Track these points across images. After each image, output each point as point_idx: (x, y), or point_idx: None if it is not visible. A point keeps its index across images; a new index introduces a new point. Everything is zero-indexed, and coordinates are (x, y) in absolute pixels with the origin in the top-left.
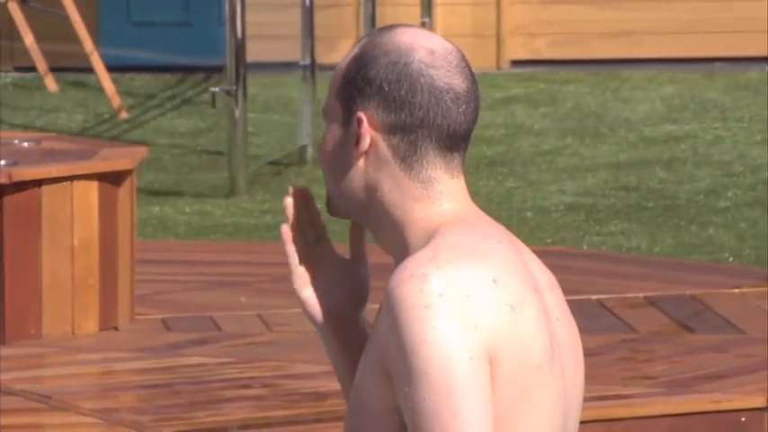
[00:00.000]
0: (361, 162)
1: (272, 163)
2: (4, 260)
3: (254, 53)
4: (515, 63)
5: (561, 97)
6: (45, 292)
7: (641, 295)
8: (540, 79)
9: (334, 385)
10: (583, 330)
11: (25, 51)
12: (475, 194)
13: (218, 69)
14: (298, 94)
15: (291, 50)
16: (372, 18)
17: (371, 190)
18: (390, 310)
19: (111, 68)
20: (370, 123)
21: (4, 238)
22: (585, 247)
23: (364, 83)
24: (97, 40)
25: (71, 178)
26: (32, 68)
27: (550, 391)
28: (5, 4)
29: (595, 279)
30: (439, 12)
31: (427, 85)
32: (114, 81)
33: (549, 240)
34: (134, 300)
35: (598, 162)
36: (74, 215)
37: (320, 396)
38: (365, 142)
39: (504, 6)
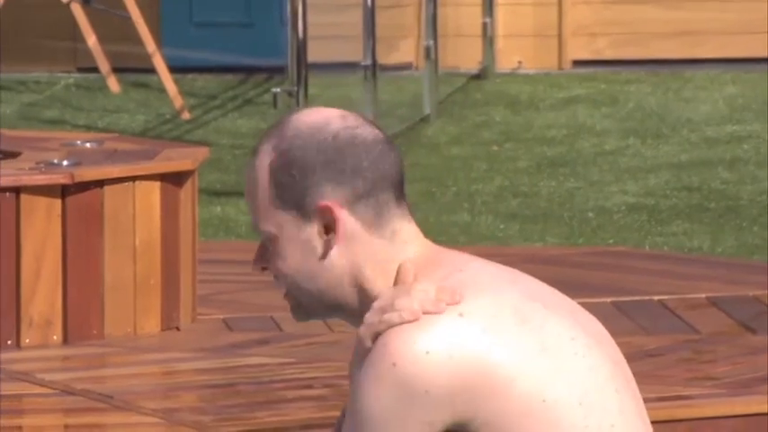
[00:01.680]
0: (334, 252)
1: None
2: (67, 260)
3: (315, 53)
4: (577, 63)
5: (623, 97)
6: (107, 292)
7: (703, 296)
8: (602, 79)
9: None
10: (644, 331)
11: (88, 52)
12: (536, 195)
13: (280, 70)
14: (359, 94)
15: (353, 51)
16: (434, 18)
17: (349, 274)
18: (357, 368)
19: (173, 69)
20: (333, 205)
21: (66, 239)
22: (647, 247)
23: (302, 174)
24: (159, 41)
25: (133, 179)
26: (95, 69)
27: (574, 352)
28: (68, 5)
29: (657, 280)
30: (500, 12)
31: (362, 145)
32: (176, 82)
33: (610, 241)
34: (196, 300)
35: (660, 162)
36: (136, 215)
37: None
38: (340, 224)
39: (566, 6)
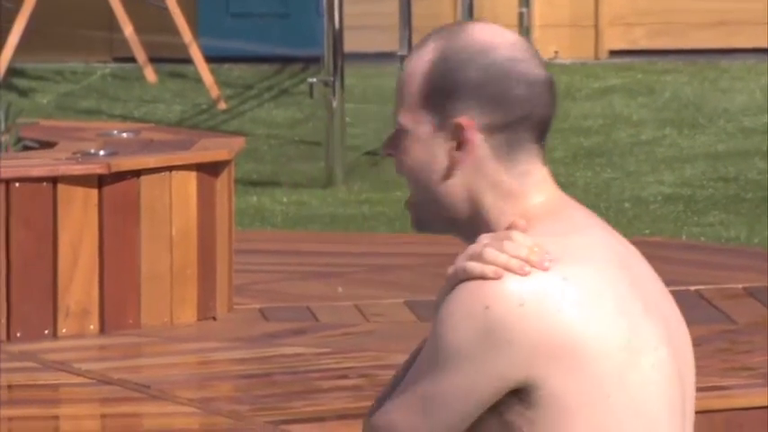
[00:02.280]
0: (460, 169)
1: (369, 153)
2: (104, 250)
3: (351, 44)
4: (613, 53)
5: (659, 87)
6: (143, 282)
7: (740, 286)
8: (638, 69)
9: None
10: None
11: (124, 42)
12: (572, 185)
13: (316, 60)
14: (395, 84)
15: (389, 41)
16: (470, 8)
17: (468, 195)
18: (449, 297)
19: (210, 59)
20: (470, 126)
21: (103, 228)
22: (684, 237)
23: (456, 86)
24: (196, 31)
25: (169, 168)
26: (132, 59)
27: (651, 364)
28: None
29: (694, 270)
30: (537, 2)
31: (522, 79)
32: (212, 72)
33: (647, 231)
34: (232, 290)
35: (696, 152)
36: (172, 205)
37: None
38: (471, 147)
39: None
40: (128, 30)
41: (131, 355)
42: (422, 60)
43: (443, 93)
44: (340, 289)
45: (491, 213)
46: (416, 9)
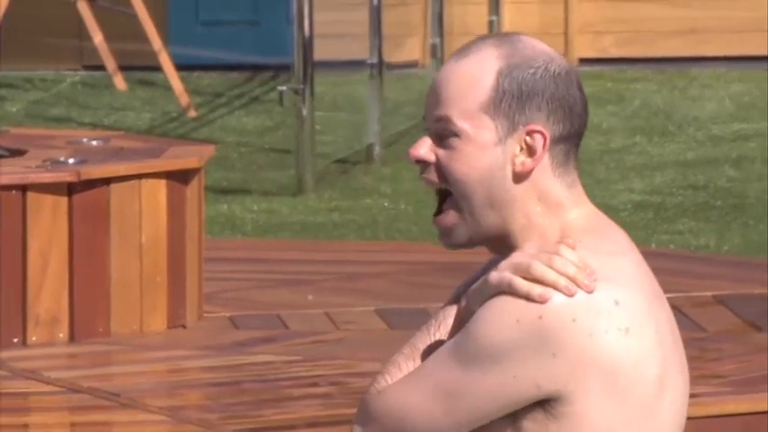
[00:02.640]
0: (527, 177)
1: (339, 161)
2: (73, 258)
3: (321, 52)
4: (583, 61)
5: (629, 95)
6: (113, 289)
7: (710, 294)
8: (608, 78)
9: None
10: None
11: (94, 50)
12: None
13: (286, 68)
14: (365, 92)
15: (359, 49)
16: (440, 16)
17: (525, 203)
18: (499, 299)
19: (180, 67)
20: (545, 134)
21: (73, 236)
22: (653, 245)
23: (530, 94)
24: (165, 39)
25: (139, 176)
26: (101, 67)
27: (670, 400)
28: (75, 3)
29: (663, 278)
30: (507, 10)
31: (578, 95)
32: (182, 79)
33: None
34: (202, 298)
35: (666, 160)
36: (142, 213)
37: None
38: (540, 155)
39: (572, 4)
40: (97, 38)
41: (101, 363)
42: (484, 67)
43: (516, 99)
44: (310, 297)
45: (539, 224)
46: (386, 17)
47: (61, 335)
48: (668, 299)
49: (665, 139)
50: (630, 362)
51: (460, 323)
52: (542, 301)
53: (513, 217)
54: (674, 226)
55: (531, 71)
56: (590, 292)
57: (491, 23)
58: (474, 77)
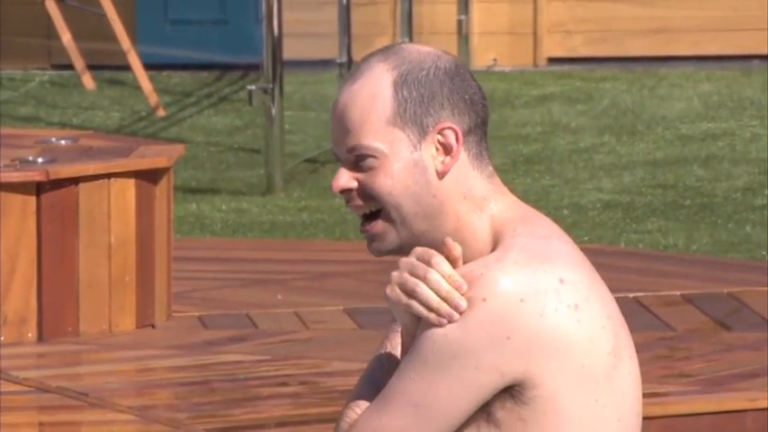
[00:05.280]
0: (447, 175)
1: (308, 161)
2: (42, 258)
3: (290, 51)
4: (552, 60)
5: (598, 95)
6: (82, 289)
7: (678, 293)
8: (577, 77)
9: None
10: None
11: (62, 49)
12: (511, 192)
13: (255, 67)
14: (334, 91)
15: (328, 48)
16: (409, 15)
17: (452, 201)
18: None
19: (148, 66)
20: (456, 129)
21: (41, 236)
22: (622, 244)
23: (429, 96)
24: (134, 38)
25: (108, 176)
26: (70, 66)
27: (628, 371)
28: (43, 2)
29: (632, 277)
30: (476, 9)
31: (474, 83)
32: (151, 79)
33: (585, 238)
34: (171, 297)
35: (635, 160)
36: (111, 213)
37: None
38: (457, 151)
39: (541, 4)
40: (66, 37)
41: (70, 362)
42: (378, 83)
43: (418, 104)
44: (279, 296)
45: (469, 221)
46: (355, 17)
47: (30, 335)
48: (637, 298)
49: (634, 138)
50: (584, 337)
51: (407, 337)
52: (440, 325)
53: (445, 220)
54: (643, 225)
55: (424, 73)
56: (461, 312)
57: (460, 23)
58: (371, 96)
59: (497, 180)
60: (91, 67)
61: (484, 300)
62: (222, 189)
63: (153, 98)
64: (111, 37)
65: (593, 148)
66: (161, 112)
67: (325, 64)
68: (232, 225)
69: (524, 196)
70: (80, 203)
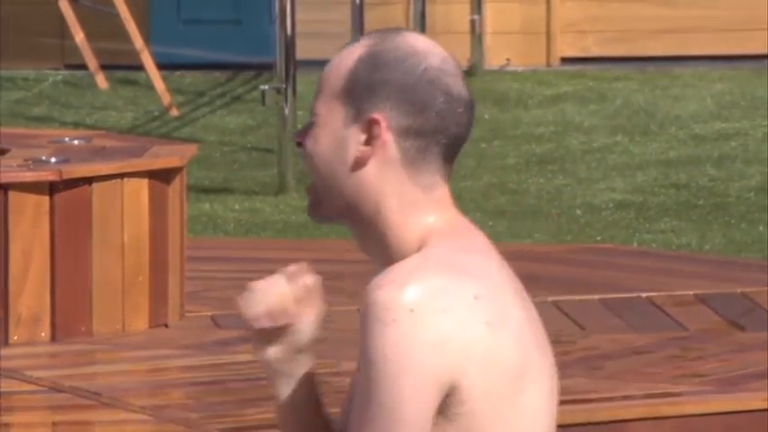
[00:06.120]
0: (367, 164)
1: None
2: (55, 258)
3: (303, 51)
4: (565, 60)
5: (611, 95)
6: (95, 289)
7: (691, 293)
8: (590, 77)
9: None
10: (633, 328)
11: (76, 49)
12: (524, 192)
13: (268, 67)
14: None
15: (341, 48)
16: (422, 15)
17: (372, 193)
18: (364, 314)
19: (162, 66)
20: (382, 123)
21: (54, 236)
22: (635, 244)
23: (379, 85)
24: (147, 38)
25: (121, 176)
26: (83, 66)
27: (539, 391)
28: (56, 2)
29: (645, 277)
30: (489, 8)
31: (444, 92)
32: (164, 79)
33: (598, 238)
34: (184, 297)
35: (648, 159)
36: (124, 213)
37: None
38: (380, 144)
39: (555, 3)
40: (79, 37)
41: (83, 362)
42: (349, 55)
43: (364, 87)
44: None
45: (392, 220)
46: (368, 16)
47: (43, 334)
48: (650, 298)
49: (647, 138)
50: (497, 354)
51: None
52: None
53: (363, 206)
54: (655, 225)
55: (388, 61)
56: (277, 325)
57: (473, 22)
58: (337, 66)
59: (439, 195)
60: (104, 67)
61: (411, 311)
62: (235, 189)
63: (166, 98)
64: (125, 37)
65: (607, 148)
66: (174, 112)
67: None
68: (245, 225)
69: (537, 196)
70: (93, 203)
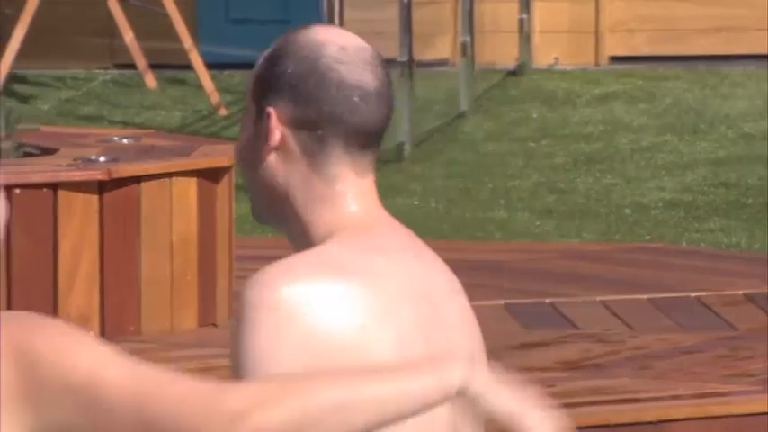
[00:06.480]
0: (271, 159)
1: None
2: (104, 257)
3: None
4: (614, 59)
5: (660, 94)
6: (144, 288)
7: (740, 293)
8: (639, 76)
9: None
10: (681, 328)
11: (125, 49)
12: (573, 191)
13: None
14: (395, 90)
15: (389, 47)
16: (470, 14)
17: (281, 188)
18: (234, 312)
19: (210, 65)
20: (279, 119)
21: (103, 235)
22: (684, 243)
23: (275, 79)
24: (196, 38)
25: (170, 175)
26: (132, 66)
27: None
28: (106, 1)
29: (694, 276)
30: (537, 8)
31: (335, 81)
32: (213, 78)
33: (647, 237)
34: (232, 296)
35: (697, 159)
36: (172, 212)
37: None
38: (274, 137)
39: (603, 3)
40: (128, 36)
41: None
42: (262, 55)
43: (264, 82)
44: None
45: (301, 215)
46: (416, 15)
47: (92, 333)
48: (699, 297)
49: (697, 137)
50: (366, 356)
51: None
52: None
53: (275, 201)
54: (705, 224)
55: (284, 56)
56: None
57: (521, 21)
58: (255, 65)
59: (343, 186)
60: (153, 67)
61: (276, 309)
62: None
63: (214, 97)
64: (173, 36)
65: (655, 147)
66: (222, 112)
67: (386, 63)
68: None
69: (586, 195)
70: (142, 202)
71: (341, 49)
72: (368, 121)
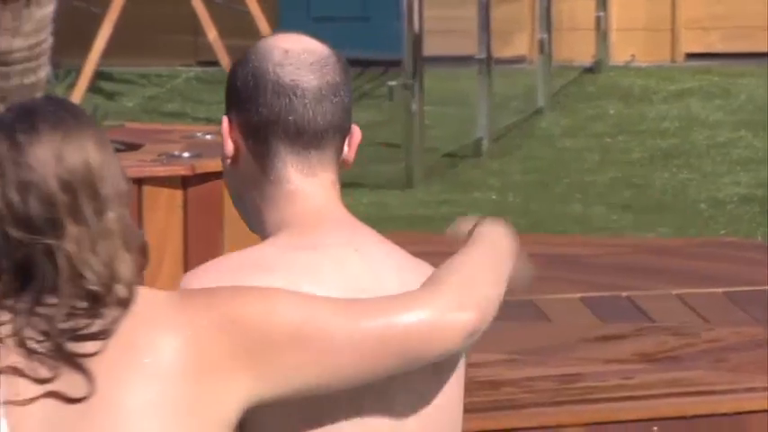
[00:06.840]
0: (232, 169)
1: (447, 155)
2: (188, 251)
3: (431, 47)
4: (690, 56)
5: (735, 90)
6: None
7: None
8: (715, 72)
9: (510, 373)
10: (757, 321)
11: (208, 46)
12: (650, 186)
13: (396, 63)
14: (473, 87)
15: (468, 44)
16: (548, 12)
17: (245, 195)
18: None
19: None
20: (232, 129)
21: (187, 230)
22: (759, 238)
23: (229, 90)
24: None
25: None
26: (215, 63)
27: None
28: (189, 0)
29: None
30: (614, 6)
31: (271, 83)
32: None
33: (722, 232)
34: None
35: None
36: None
37: (495, 384)
38: (228, 148)
39: (679, 0)
40: (212, 34)
41: None
42: None
43: (225, 95)
44: None
45: (257, 216)
46: (495, 13)
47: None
48: None
49: None
50: None
51: None
52: None
53: (239, 205)
54: None
55: (237, 65)
56: None
57: (598, 19)
58: None
59: (290, 186)
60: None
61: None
62: (363, 183)
63: None
64: (256, 34)
65: (731, 143)
66: None
67: (464, 60)
68: (373, 218)
69: (662, 190)
70: (225, 197)
71: (284, 52)
72: (308, 121)
